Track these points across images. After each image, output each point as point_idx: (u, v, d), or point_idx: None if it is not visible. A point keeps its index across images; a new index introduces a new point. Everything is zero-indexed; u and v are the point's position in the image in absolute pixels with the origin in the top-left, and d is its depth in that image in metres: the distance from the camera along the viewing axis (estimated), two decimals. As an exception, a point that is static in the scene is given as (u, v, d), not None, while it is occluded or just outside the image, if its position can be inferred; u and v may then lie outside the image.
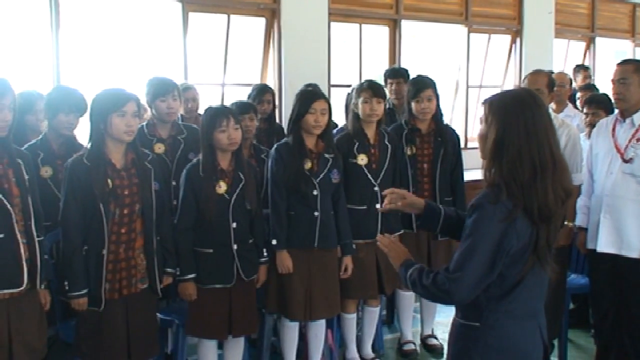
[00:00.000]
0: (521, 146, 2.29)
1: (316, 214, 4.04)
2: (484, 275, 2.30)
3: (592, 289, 4.29)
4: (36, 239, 3.20)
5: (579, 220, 4.23)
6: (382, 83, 4.86)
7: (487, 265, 2.29)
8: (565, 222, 4.26)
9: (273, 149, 4.13)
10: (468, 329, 2.46)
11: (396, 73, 5.66)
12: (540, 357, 2.50)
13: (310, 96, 4.06)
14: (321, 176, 4.05)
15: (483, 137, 2.42)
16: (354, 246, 4.23)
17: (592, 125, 4.98)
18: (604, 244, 3.97)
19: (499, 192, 2.30)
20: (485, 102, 2.45)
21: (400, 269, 2.53)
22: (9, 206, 3.06)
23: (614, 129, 4.02)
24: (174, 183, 4.14)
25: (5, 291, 3.07)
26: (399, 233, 4.48)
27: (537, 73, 4.52)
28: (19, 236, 3.10)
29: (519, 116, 2.32)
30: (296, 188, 4.00)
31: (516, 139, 2.30)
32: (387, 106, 5.56)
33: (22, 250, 3.11)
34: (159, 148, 4.21)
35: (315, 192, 4.03)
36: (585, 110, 5.18)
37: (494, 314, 2.39)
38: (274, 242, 4.00)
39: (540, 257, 2.36)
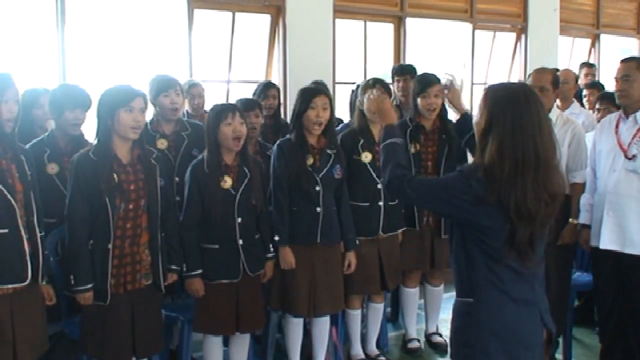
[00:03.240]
0: (503, 141, 2.34)
1: (318, 209, 4.05)
2: (427, 192, 2.54)
3: (595, 286, 4.28)
4: (38, 234, 3.21)
5: (582, 218, 4.23)
6: (388, 80, 4.84)
7: (438, 201, 2.51)
8: (570, 220, 4.27)
9: (275, 145, 4.15)
10: (464, 305, 2.53)
11: (403, 70, 5.65)
12: (538, 343, 2.53)
13: (311, 92, 4.08)
14: (323, 172, 4.07)
15: (476, 124, 2.51)
16: (357, 242, 4.24)
17: None
18: (607, 241, 3.96)
19: (478, 169, 2.39)
20: (485, 88, 2.51)
21: (385, 129, 2.79)
22: (12, 201, 3.07)
23: (617, 127, 4.02)
24: (177, 179, 4.15)
25: (10, 286, 3.09)
26: (401, 230, 4.49)
27: (541, 70, 4.51)
28: (22, 231, 3.11)
29: (507, 111, 2.36)
30: (298, 184, 4.01)
31: (500, 133, 2.35)
32: (394, 103, 5.57)
33: (25, 245, 3.12)
34: (162, 144, 4.22)
35: (317, 188, 4.04)
36: (597, 106, 5.20)
37: (485, 289, 2.45)
38: (276, 238, 4.02)
39: (520, 252, 2.39)
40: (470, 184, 2.37)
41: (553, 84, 4.40)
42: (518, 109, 2.36)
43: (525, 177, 2.32)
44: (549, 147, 2.38)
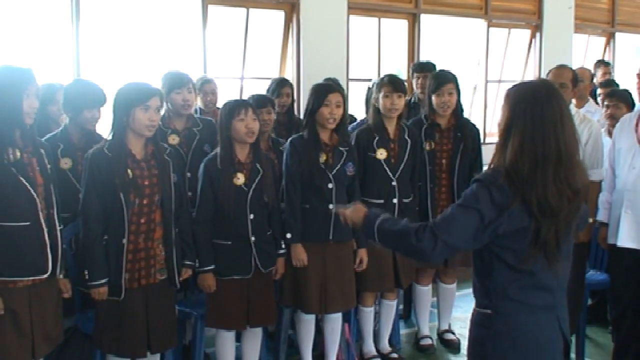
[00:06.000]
0: (524, 137, 2.32)
1: (331, 206, 4.03)
2: (461, 243, 2.38)
3: (612, 284, 4.27)
4: (58, 228, 3.24)
5: (601, 216, 4.22)
6: (402, 77, 4.82)
7: (469, 235, 2.34)
8: (586, 218, 4.25)
9: (288, 142, 4.15)
10: (482, 316, 2.50)
11: (423, 67, 5.65)
12: (557, 350, 2.50)
13: (325, 89, 4.07)
14: (336, 169, 4.06)
15: (497, 125, 2.48)
16: (369, 239, 4.23)
17: (612, 117, 4.96)
18: (625, 239, 3.95)
19: (498, 175, 2.34)
20: (506, 91, 2.49)
21: (363, 227, 2.56)
22: (34, 194, 3.10)
23: (637, 125, 4.00)
24: (188, 175, 4.16)
25: (30, 278, 3.12)
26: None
27: (562, 67, 4.50)
28: (43, 224, 3.14)
29: (527, 107, 2.35)
30: (311, 181, 4.01)
31: (521, 129, 2.33)
32: (413, 100, 5.57)
33: (46, 238, 3.15)
34: (173, 139, 4.23)
35: (330, 185, 4.04)
36: (605, 103, 5.16)
37: (503, 301, 2.42)
38: (288, 235, 4.02)
39: (547, 252, 2.36)
40: (491, 193, 2.32)
41: (572, 81, 4.39)
42: (539, 104, 2.34)
43: (546, 172, 2.30)
44: (571, 142, 2.36)
